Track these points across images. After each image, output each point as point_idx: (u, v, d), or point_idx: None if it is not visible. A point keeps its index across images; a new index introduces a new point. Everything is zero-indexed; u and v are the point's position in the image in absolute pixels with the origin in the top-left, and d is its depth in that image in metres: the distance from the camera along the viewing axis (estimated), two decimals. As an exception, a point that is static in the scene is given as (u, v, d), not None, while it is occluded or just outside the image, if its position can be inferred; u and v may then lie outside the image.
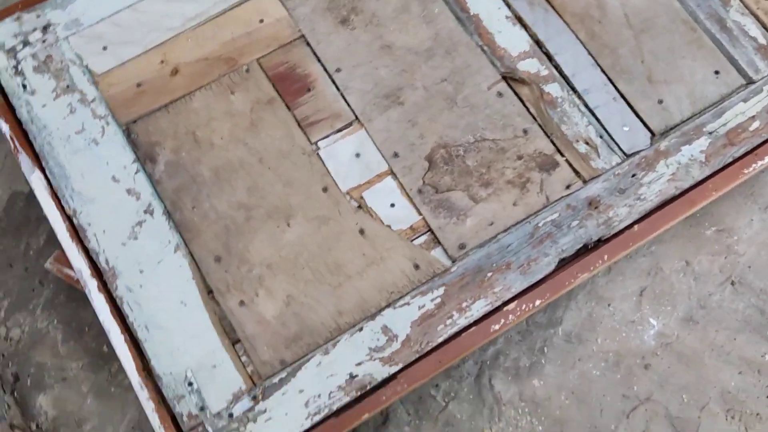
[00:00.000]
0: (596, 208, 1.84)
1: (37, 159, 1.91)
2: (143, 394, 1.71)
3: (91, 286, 1.79)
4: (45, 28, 2.01)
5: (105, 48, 2.00)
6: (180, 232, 1.85)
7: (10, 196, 2.22)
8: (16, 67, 1.98)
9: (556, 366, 1.95)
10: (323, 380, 1.72)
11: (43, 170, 1.90)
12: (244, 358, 1.75)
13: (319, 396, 1.71)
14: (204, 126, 1.95)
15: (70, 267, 1.96)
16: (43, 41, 2.00)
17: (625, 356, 1.94)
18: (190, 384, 1.70)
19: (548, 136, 1.93)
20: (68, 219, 1.86)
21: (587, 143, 1.92)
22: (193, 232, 1.85)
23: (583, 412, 1.89)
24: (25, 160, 1.90)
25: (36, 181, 1.88)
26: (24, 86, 1.96)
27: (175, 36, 2.02)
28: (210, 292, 1.80)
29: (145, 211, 1.87)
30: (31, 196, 2.22)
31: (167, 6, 2.03)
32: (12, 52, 1.99)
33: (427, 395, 1.98)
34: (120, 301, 1.79)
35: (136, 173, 1.90)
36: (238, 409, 1.69)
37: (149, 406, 1.70)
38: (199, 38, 2.02)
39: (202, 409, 1.69)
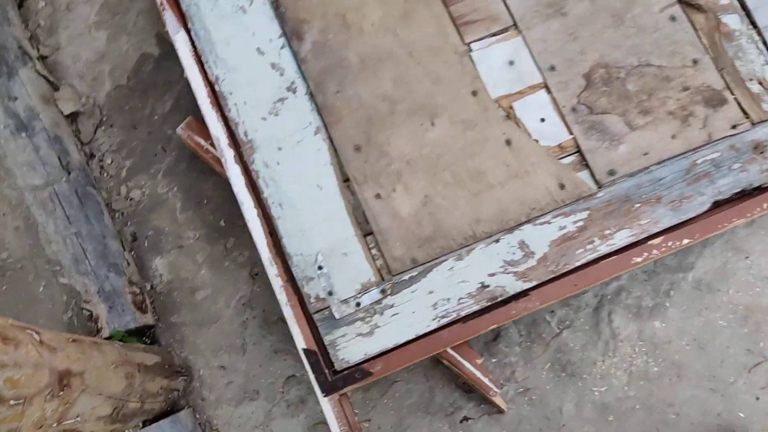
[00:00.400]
0: (762, 153, 1.73)
1: (182, 19, 1.85)
2: (272, 270, 1.70)
3: (228, 156, 1.76)
4: None
5: None
6: (321, 115, 1.79)
7: (139, 57, 2.17)
8: None
9: (680, 310, 1.88)
10: (454, 285, 1.68)
11: (188, 31, 1.84)
12: (374, 251, 1.72)
13: (448, 300, 1.68)
14: (355, 10, 1.85)
15: (201, 135, 1.93)
16: None
17: (755, 311, 1.86)
18: (320, 268, 1.68)
19: (719, 71, 1.80)
20: (210, 85, 1.81)
21: (761, 84, 1.78)
22: (335, 117, 1.79)
23: (702, 360, 1.84)
24: (171, 19, 1.84)
25: (180, 42, 1.83)
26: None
27: None
28: (346, 180, 1.76)
29: (288, 89, 1.81)
30: (160, 60, 2.17)
31: None
32: None
33: (541, 320, 1.95)
34: (255, 175, 1.76)
35: (281, 48, 1.83)
36: (365, 300, 1.67)
37: (278, 283, 1.69)
38: None
39: (330, 293, 1.67)
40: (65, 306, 1.80)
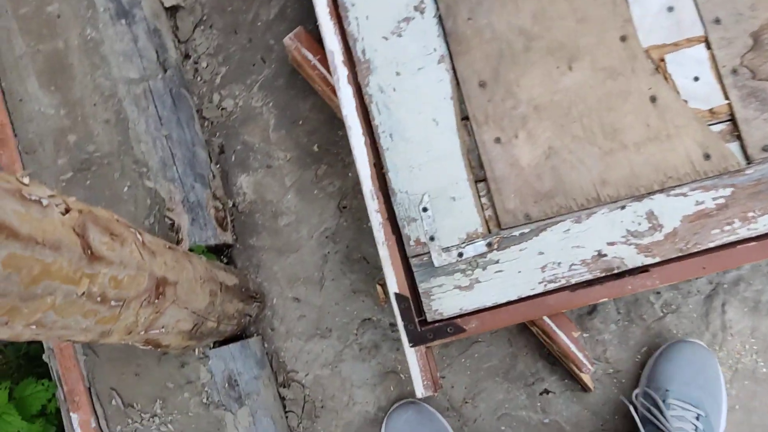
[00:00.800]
0: None
1: None
2: (373, 205, 1.56)
3: (341, 74, 1.61)
4: None
5: None
6: (448, 42, 1.61)
7: (247, -43, 2.02)
8: None
9: (807, 313, 1.69)
10: (567, 249, 1.52)
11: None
12: (484, 200, 1.56)
13: (559, 264, 1.52)
14: (498, -72, 1.64)
15: (310, 49, 1.78)
16: None
17: None
18: (425, 210, 1.54)
19: None
20: (329, -8, 1.65)
21: None
22: (463, 47, 1.61)
23: (823, 370, 1.66)
24: None
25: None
26: None
27: None
28: (465, 118, 1.59)
29: (416, 8, 1.63)
30: (271, -37, 2.01)
31: None
32: None
33: (644, 300, 1.78)
34: (369, 99, 1.61)
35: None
36: (469, 251, 1.53)
37: (377, 219, 1.56)
38: None
39: (432, 239, 1.53)
40: (148, 211, 1.71)
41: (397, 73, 1.61)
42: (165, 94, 1.81)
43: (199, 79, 1.98)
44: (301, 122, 1.93)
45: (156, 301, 1.08)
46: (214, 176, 1.86)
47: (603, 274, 1.52)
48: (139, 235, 1.04)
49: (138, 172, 1.75)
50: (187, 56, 1.99)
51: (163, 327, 1.22)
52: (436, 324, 1.54)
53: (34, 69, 1.77)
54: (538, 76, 1.59)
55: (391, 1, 1.64)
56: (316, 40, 1.80)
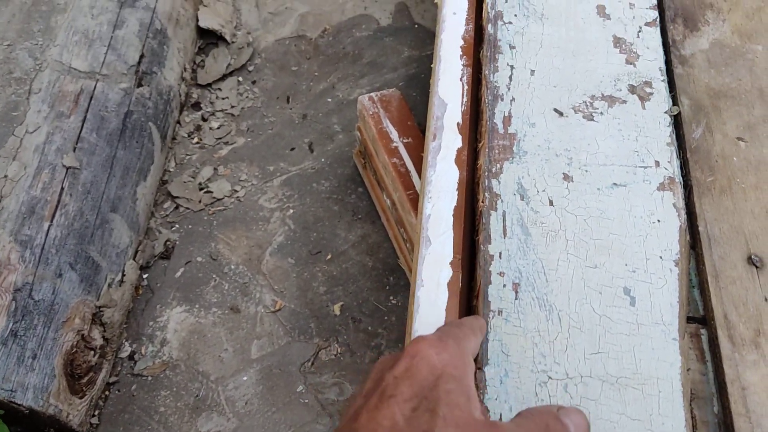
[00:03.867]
0: None
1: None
2: None
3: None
4: None
5: None
6: (687, 168, 0.74)
7: (356, 17, 1.32)
8: None
9: None
10: None
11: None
12: None
13: None
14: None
15: (398, 123, 0.94)
16: None
17: None
18: None
19: None
20: (477, 32, 0.87)
21: None
22: (718, 182, 0.73)
23: None
24: None
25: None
26: None
27: None
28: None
29: (632, 89, 0.81)
30: (383, 32, 1.30)
31: None
32: None
33: None
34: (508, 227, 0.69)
35: (645, 25, 0.87)
36: None
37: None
38: None
39: None
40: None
41: (567, 188, 0.72)
42: (114, 112, 0.97)
43: (195, 140, 1.15)
44: (329, 257, 1.01)
45: None
46: (122, 281, 0.91)
47: None
48: None
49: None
50: (196, 105, 1.20)
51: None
52: None
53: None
54: None
55: (597, 68, 0.82)
56: (419, 124, 0.97)
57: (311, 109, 1.21)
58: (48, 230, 0.85)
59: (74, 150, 0.91)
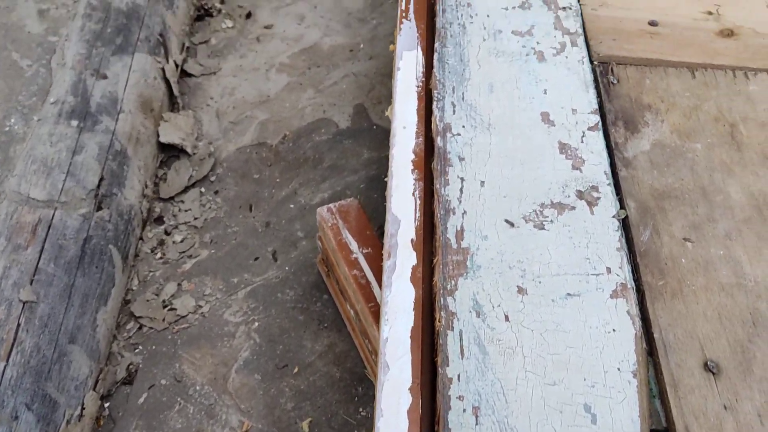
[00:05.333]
0: None
1: (427, 36, 1.03)
2: None
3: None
4: None
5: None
6: (637, 269, 0.76)
7: (316, 121, 1.35)
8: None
9: None
10: None
11: (428, 51, 1.00)
12: None
13: None
14: (760, 126, 0.91)
15: (357, 233, 0.96)
16: None
17: None
18: None
19: None
20: (426, 144, 0.89)
21: None
22: (669, 286, 0.74)
23: None
24: (409, 31, 1.02)
25: (407, 62, 0.98)
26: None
27: (749, -7, 1.10)
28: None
29: (580, 195, 0.83)
30: (342, 135, 1.33)
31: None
32: None
33: None
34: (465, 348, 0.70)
35: (588, 129, 0.90)
36: None
37: None
38: (794, 10, 1.07)
39: None
40: None
41: (522, 301, 0.72)
42: (73, 240, 0.97)
43: (158, 255, 1.15)
44: (296, 370, 1.00)
45: None
46: (81, 415, 0.88)
47: None
48: None
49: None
50: (159, 219, 1.20)
51: None
52: None
53: None
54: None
55: (544, 172, 0.84)
56: (377, 231, 0.98)
57: (274, 217, 1.22)
58: (3, 371, 0.83)
59: (31, 283, 0.90)
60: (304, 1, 1.62)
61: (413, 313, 0.73)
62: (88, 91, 1.13)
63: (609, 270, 0.75)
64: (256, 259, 1.16)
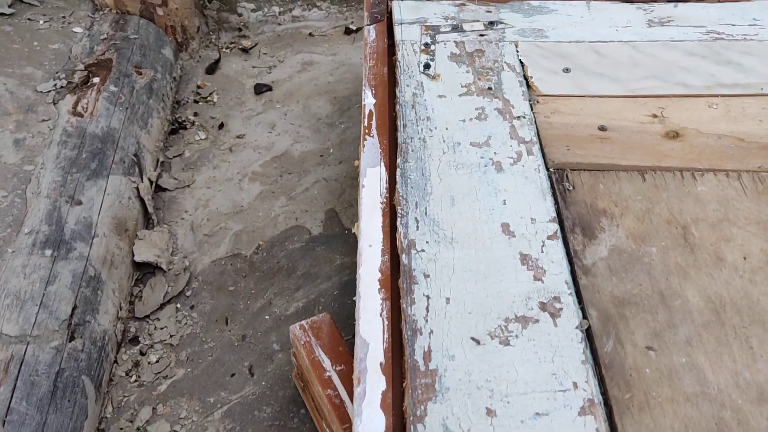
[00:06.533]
0: None
1: (389, 151, 1.07)
2: None
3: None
4: (491, 24, 1.32)
5: (567, 70, 1.21)
6: (602, 378, 0.77)
7: (288, 229, 1.38)
8: (427, 45, 1.27)
9: None
10: None
11: (392, 169, 1.03)
12: None
13: None
14: (711, 226, 0.95)
15: (330, 350, 0.97)
16: (481, 35, 1.29)
17: None
18: None
19: None
20: (392, 260, 0.92)
21: None
22: (635, 398, 0.76)
23: None
24: (371, 147, 1.07)
25: (371, 179, 1.02)
26: (426, 65, 1.21)
27: (691, 96, 1.16)
28: None
29: (543, 307, 0.85)
30: (315, 242, 1.36)
31: (690, 61, 1.22)
32: (432, 30, 1.31)
33: None
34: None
35: (548, 239, 0.93)
36: None
37: None
38: (733, 110, 1.13)
39: None
40: None
41: (492, 424, 0.73)
42: (45, 374, 0.96)
43: (132, 378, 1.15)
44: (273, 496, 0.98)
45: None
46: None
47: None
48: None
49: None
50: (134, 339, 1.20)
51: None
52: None
53: None
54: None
55: (506, 285, 0.86)
56: (348, 347, 0.99)
57: (250, 329, 1.23)
58: None
59: (3, 424, 0.89)
60: (274, 110, 1.68)
61: (384, 443, 0.73)
62: (63, 218, 1.15)
63: (575, 385, 0.76)
64: (233, 375, 1.16)
